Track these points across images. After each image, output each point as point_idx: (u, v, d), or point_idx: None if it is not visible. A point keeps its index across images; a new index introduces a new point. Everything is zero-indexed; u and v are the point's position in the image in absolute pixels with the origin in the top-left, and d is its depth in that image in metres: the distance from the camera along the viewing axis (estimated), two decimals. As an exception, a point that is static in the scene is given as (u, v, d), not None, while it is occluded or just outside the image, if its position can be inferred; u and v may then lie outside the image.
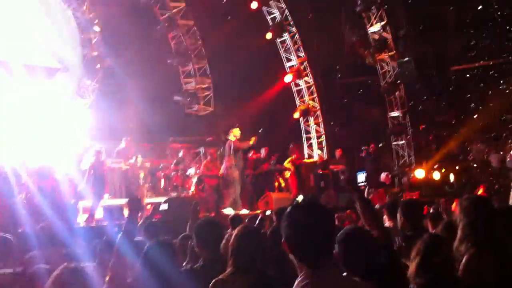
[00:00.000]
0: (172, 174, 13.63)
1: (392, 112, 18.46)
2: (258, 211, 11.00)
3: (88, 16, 15.99)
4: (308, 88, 19.31)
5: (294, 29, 18.73)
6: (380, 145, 18.47)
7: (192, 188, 13.10)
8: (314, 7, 18.72)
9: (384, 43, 17.83)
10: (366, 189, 12.77)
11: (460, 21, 18.80)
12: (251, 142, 12.21)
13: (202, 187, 13.14)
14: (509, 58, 18.10)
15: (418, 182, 16.16)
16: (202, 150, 16.39)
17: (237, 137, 12.00)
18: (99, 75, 16.27)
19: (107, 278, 3.25)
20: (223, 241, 3.82)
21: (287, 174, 14.71)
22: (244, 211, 11.36)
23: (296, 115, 19.31)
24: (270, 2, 18.16)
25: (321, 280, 2.20)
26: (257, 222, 6.03)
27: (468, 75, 18.98)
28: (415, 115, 18.61)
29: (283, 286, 2.33)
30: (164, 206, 10.17)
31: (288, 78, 18.83)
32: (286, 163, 14.53)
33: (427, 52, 18.40)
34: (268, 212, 9.24)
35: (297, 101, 19.42)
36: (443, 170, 16.70)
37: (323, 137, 19.29)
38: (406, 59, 17.00)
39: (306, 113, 19.29)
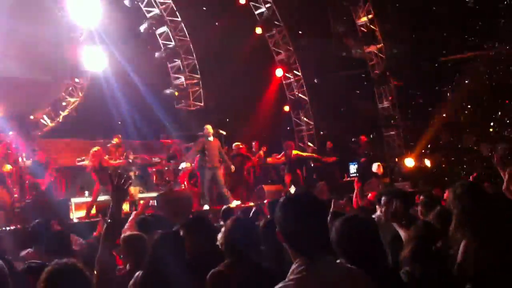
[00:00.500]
0: (165, 169, 13.62)
1: (382, 104, 18.55)
2: (252, 204, 11.04)
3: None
4: (298, 81, 19.37)
5: (282, 24, 18.74)
6: (372, 136, 18.54)
7: (185, 183, 13.12)
8: (301, 1, 18.71)
9: (372, 36, 17.90)
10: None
11: (450, 12, 18.84)
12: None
13: (195, 181, 13.16)
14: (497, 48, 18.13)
15: (409, 171, 16.26)
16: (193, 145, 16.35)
17: (210, 134, 11.96)
18: (88, 73, 16.17)
19: (95, 272, 3.24)
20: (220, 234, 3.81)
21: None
22: (236, 202, 11.39)
23: (287, 108, 19.38)
24: (258, -3, 18.19)
25: (315, 268, 2.21)
26: (251, 214, 6.04)
27: (457, 66, 19.00)
28: (405, 106, 18.69)
29: (279, 277, 2.34)
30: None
31: (279, 72, 18.89)
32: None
33: (415, 43, 18.46)
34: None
35: (287, 94, 19.49)
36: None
37: (314, 130, 19.38)
38: (395, 51, 17.08)
39: (296, 106, 19.37)
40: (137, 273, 3.46)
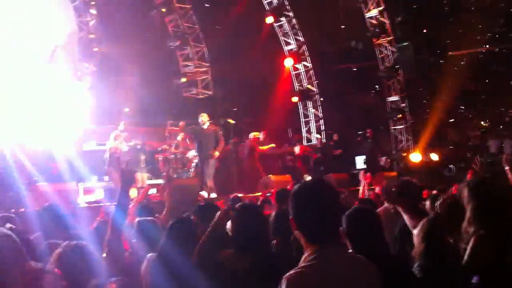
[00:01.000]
0: (172, 157, 13.65)
1: (391, 97, 18.47)
2: (258, 193, 11.05)
3: (84, -1, 15.90)
4: (307, 72, 19.32)
5: (291, 14, 18.67)
6: (381, 128, 18.49)
7: (192, 170, 13.15)
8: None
9: (382, 28, 17.79)
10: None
11: (458, 6, 18.71)
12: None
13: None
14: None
15: (415, 166, 16.22)
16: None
17: (204, 122, 11.76)
18: (96, 58, 16.19)
19: (103, 254, 3.28)
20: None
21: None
22: (213, 195, 11.39)
23: (295, 99, 19.33)
24: (267, -14, 18.10)
25: (326, 257, 2.23)
26: (259, 203, 6.06)
27: (465, 61, 18.90)
28: (413, 100, 18.61)
29: (288, 264, 2.36)
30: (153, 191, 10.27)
31: (288, 62, 18.84)
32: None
33: (425, 37, 18.35)
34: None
35: (296, 85, 19.44)
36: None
37: (321, 121, 19.35)
38: (405, 44, 16.95)
39: (304, 97, 19.33)
40: (149, 255, 3.49)
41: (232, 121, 12.91)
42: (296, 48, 18.96)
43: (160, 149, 14.20)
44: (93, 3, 15.93)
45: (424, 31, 18.30)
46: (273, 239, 4.07)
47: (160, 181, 12.43)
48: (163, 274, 3.21)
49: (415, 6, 17.94)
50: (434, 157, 16.56)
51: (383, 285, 2.37)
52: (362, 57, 19.18)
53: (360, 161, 16.01)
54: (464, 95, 17.55)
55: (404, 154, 17.54)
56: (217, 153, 11.65)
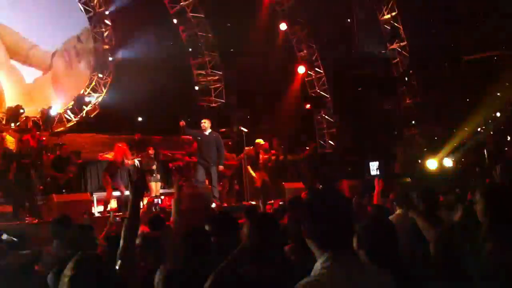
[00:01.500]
0: (185, 165, 13.69)
1: (405, 102, 18.40)
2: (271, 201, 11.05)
3: (98, 10, 16.07)
4: (319, 79, 19.32)
5: (304, 20, 18.71)
6: (395, 133, 18.40)
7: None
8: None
9: (396, 33, 17.76)
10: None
11: (473, 10, 18.58)
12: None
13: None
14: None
15: (430, 172, 16.07)
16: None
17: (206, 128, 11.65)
18: (110, 69, 16.35)
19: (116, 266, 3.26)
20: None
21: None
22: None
23: (308, 105, 19.33)
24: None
25: (340, 265, 2.21)
26: (275, 212, 6.05)
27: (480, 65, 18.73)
28: (427, 106, 18.49)
29: (303, 274, 2.35)
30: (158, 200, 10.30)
31: (301, 69, 18.88)
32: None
33: (439, 42, 18.25)
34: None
35: (309, 92, 19.45)
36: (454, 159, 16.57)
37: (334, 128, 19.32)
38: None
39: (317, 103, 19.32)
40: (161, 268, 3.48)
41: (245, 129, 12.90)
42: (309, 54, 18.97)
43: (173, 157, 14.25)
44: (107, 13, 16.13)
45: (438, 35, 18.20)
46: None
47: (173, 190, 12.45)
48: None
49: (428, 10, 17.85)
50: (448, 162, 16.39)
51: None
52: (376, 62, 19.14)
53: (374, 167, 15.93)
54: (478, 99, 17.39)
55: (419, 160, 17.40)
56: (221, 167, 11.51)
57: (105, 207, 11.07)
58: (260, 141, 13.27)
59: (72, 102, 15.78)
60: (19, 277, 3.60)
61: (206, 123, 11.55)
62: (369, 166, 16.22)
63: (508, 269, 2.93)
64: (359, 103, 18.84)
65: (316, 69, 19.20)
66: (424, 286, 3.04)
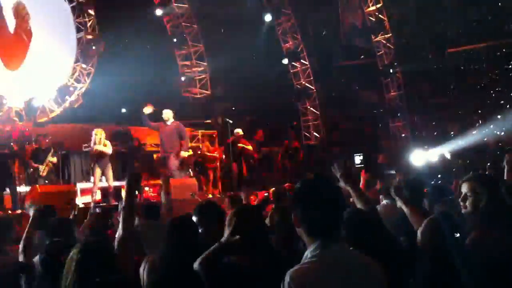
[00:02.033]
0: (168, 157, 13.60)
1: (389, 94, 18.48)
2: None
3: (82, 0, 15.89)
4: (305, 70, 19.32)
5: (290, 12, 18.67)
6: (380, 125, 18.49)
7: (190, 170, 13.11)
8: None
9: (380, 25, 17.80)
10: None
11: (458, 1, 18.70)
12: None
13: (199, 168, 13.18)
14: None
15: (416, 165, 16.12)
16: (199, 133, 16.39)
17: (167, 118, 11.38)
18: (94, 59, 16.17)
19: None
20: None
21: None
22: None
23: (293, 97, 19.35)
24: (266, -15, 18.07)
25: (329, 254, 2.23)
26: (260, 202, 6.06)
27: (465, 57, 18.88)
28: (412, 98, 18.61)
29: (290, 262, 2.35)
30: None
31: (284, 61, 18.87)
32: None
33: (424, 33, 18.37)
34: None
35: (294, 83, 19.44)
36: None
37: (319, 120, 19.35)
38: (403, 40, 16.95)
39: (302, 95, 19.33)
40: (147, 257, 3.46)
41: (230, 121, 12.85)
42: (294, 46, 18.94)
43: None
44: (90, 3, 15.94)
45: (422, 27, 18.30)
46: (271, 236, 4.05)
47: (159, 181, 12.40)
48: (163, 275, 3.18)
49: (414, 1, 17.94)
50: (434, 157, 16.42)
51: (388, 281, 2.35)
52: (361, 54, 19.21)
53: (358, 159, 16.00)
54: (465, 91, 17.55)
55: (405, 153, 17.48)
56: (183, 153, 11.37)
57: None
58: (238, 131, 13.25)
59: (56, 93, 15.58)
60: None
61: (167, 113, 11.35)
62: (354, 158, 16.29)
63: (490, 257, 2.95)
64: (344, 95, 18.92)
65: (302, 60, 19.17)
66: (412, 274, 3.06)
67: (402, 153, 17.45)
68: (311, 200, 2.29)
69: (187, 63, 18.46)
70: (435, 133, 17.29)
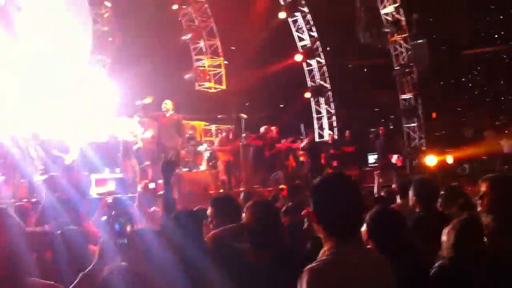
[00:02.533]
0: (184, 150, 13.65)
1: (404, 95, 18.35)
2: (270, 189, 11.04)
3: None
4: (320, 68, 19.25)
5: (306, 9, 18.60)
6: (393, 126, 18.39)
7: (204, 164, 13.14)
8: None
9: (397, 25, 17.66)
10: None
11: (473, 4, 18.56)
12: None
13: (213, 163, 13.20)
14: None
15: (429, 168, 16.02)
16: (213, 127, 16.41)
17: (168, 110, 11.20)
18: (110, 50, 16.25)
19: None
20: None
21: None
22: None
23: (307, 94, 19.28)
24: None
25: (346, 251, 2.23)
26: (271, 198, 6.08)
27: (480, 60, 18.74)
28: (426, 99, 18.47)
29: (300, 258, 2.35)
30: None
31: (298, 58, 18.76)
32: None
33: (440, 35, 18.23)
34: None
35: (308, 81, 19.39)
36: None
37: (334, 117, 19.29)
38: (420, 41, 16.81)
39: (317, 93, 19.27)
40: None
41: (244, 116, 12.84)
42: (309, 44, 18.87)
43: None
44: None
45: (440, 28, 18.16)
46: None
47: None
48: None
49: (431, 4, 17.81)
50: (449, 160, 16.29)
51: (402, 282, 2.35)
52: (376, 54, 19.08)
53: (372, 159, 15.94)
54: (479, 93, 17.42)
55: (417, 153, 17.37)
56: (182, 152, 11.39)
57: None
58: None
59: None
60: None
61: (168, 105, 11.19)
62: (367, 158, 16.24)
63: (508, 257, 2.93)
64: (359, 94, 18.85)
65: (317, 58, 19.10)
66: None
67: (415, 154, 17.39)
68: (330, 198, 2.28)
69: (202, 57, 18.48)
70: (449, 135, 17.17)
